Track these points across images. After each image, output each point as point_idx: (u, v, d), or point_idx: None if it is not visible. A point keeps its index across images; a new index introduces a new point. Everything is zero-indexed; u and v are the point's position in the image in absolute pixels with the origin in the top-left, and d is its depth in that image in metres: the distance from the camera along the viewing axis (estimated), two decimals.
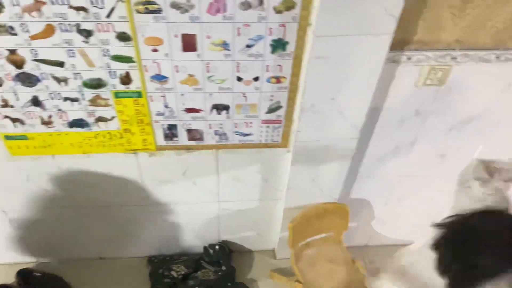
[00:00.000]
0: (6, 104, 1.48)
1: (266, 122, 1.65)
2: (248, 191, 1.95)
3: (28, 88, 1.44)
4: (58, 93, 1.47)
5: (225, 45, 1.39)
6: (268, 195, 1.96)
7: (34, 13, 1.25)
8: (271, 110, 1.61)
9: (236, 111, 1.59)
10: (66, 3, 1.24)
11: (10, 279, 2.14)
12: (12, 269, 2.16)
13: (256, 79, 1.49)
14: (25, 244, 2.12)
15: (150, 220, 2.05)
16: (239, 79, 1.49)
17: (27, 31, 1.29)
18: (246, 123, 1.64)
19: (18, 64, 1.37)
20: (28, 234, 2.07)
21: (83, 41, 1.33)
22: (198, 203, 1.98)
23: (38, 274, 2.14)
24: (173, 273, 2.10)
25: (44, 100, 1.48)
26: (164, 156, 1.73)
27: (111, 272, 2.21)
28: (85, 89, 1.46)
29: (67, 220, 2.00)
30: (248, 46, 1.40)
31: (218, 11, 1.30)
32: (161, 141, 1.67)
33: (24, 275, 2.13)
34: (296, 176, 1.79)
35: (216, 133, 1.66)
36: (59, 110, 1.52)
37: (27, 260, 2.21)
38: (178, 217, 2.06)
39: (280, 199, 1.97)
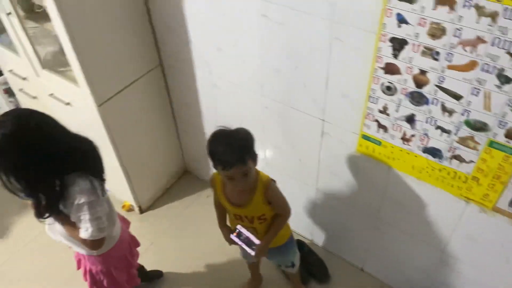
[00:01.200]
0: (384, 111, 1.64)
1: None
2: None
3: (412, 105, 1.55)
4: (435, 120, 1.53)
5: None
6: None
7: (468, 48, 1.31)
8: None
9: None
10: (506, 48, 1.25)
11: None
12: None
13: None
14: (313, 222, 2.40)
15: (427, 263, 1.98)
16: None
17: (449, 61, 1.37)
18: None
19: (420, 84, 1.48)
20: (319, 216, 2.33)
21: (496, 85, 1.33)
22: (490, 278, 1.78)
23: (307, 249, 2.40)
24: None
25: (418, 120, 1.57)
26: (495, 219, 1.60)
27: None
28: (464, 127, 1.48)
29: (356, 220, 2.13)
30: None
31: None
32: (503, 204, 1.55)
33: (299, 245, 2.43)
34: None
35: None
36: (425, 134, 1.59)
37: (305, 235, 2.51)
38: (459, 277, 1.91)
39: None
